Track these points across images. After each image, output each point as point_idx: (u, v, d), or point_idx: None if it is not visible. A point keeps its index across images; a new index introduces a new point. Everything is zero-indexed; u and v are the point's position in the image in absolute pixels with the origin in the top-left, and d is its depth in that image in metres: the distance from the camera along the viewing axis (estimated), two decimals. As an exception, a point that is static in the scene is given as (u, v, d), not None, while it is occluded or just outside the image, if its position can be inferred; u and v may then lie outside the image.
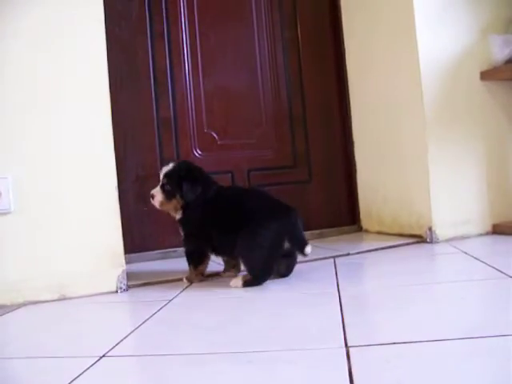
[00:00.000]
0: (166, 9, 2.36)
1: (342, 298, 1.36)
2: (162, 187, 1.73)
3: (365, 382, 0.82)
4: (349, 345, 0.99)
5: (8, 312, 1.55)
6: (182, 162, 1.83)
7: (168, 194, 1.72)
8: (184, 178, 1.71)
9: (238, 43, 2.49)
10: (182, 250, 2.29)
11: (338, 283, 1.54)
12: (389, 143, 2.39)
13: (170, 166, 1.75)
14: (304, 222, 2.48)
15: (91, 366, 1.00)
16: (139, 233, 2.29)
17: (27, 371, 1.03)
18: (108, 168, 1.75)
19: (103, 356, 1.05)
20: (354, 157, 2.63)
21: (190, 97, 2.40)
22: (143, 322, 1.30)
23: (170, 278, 1.84)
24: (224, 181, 2.40)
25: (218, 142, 2.44)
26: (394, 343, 0.99)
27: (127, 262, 1.83)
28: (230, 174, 2.44)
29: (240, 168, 2.45)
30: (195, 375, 0.93)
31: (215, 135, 2.43)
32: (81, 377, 0.95)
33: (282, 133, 2.55)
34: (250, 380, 0.89)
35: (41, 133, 1.68)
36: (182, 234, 1.78)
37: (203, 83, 2.41)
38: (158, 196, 1.73)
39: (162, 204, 1.74)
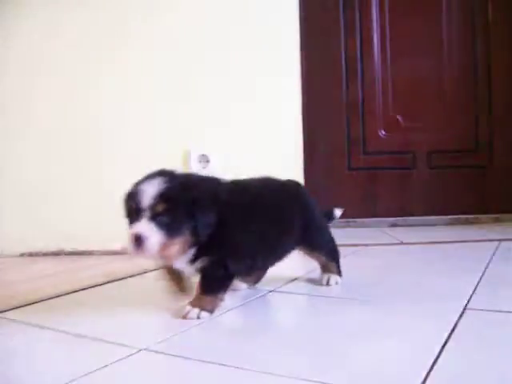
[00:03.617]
0: (359, -2, 2.58)
1: (485, 273, 1.48)
2: (155, 219, 1.06)
3: (462, 334, 0.99)
4: (468, 307, 1.16)
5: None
6: (171, 173, 1.13)
7: (172, 231, 1.07)
8: (196, 204, 1.09)
9: (427, 29, 2.58)
10: (362, 220, 2.57)
11: (489, 261, 1.64)
12: None
13: (160, 181, 1.08)
14: (479, 206, 2.53)
15: (127, 356, 0.93)
16: (322, 202, 2.58)
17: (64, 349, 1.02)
18: (296, 142, 2.06)
19: (142, 350, 0.96)
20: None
21: (378, 82, 2.60)
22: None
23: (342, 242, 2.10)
24: (404, 161, 2.57)
25: (402, 125, 2.60)
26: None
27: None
28: (411, 155, 2.59)
29: (421, 150, 2.58)
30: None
31: (399, 118, 2.59)
32: (113, 365, 0.89)
33: (464, 117, 2.59)
34: (366, 319, 1.12)
35: (243, 117, 2.06)
36: (210, 260, 1.16)
37: (391, 69, 2.58)
38: (152, 238, 1.05)
39: (163, 249, 1.07)
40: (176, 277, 1.23)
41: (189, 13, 2.02)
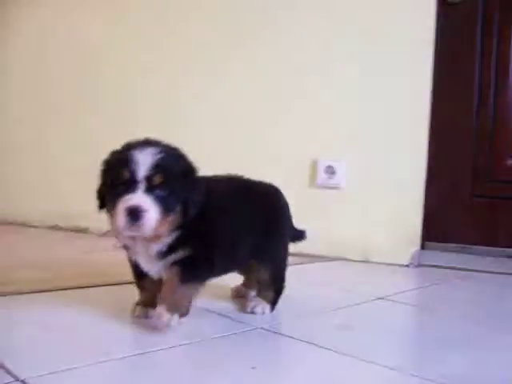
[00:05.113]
0: (498, 25, 2.56)
1: None
2: (152, 192, 0.93)
3: None
4: None
5: (326, 261, 2.12)
6: (160, 143, 1.00)
7: (167, 206, 0.95)
8: (190, 177, 0.99)
9: None
10: (478, 247, 2.56)
11: None
12: None
13: (155, 150, 0.94)
14: None
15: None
16: (440, 225, 2.60)
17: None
18: (417, 168, 2.13)
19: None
20: None
21: (510, 109, 2.56)
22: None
23: (457, 265, 2.13)
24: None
25: (534, 155, 2.54)
26: None
27: (424, 248, 2.20)
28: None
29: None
30: None
31: (529, 148, 2.54)
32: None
33: None
34: (468, 332, 1.19)
35: (371, 135, 2.16)
36: (191, 250, 1.02)
37: (527, 97, 2.54)
38: (151, 212, 0.92)
39: (159, 226, 0.95)
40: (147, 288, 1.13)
41: (322, 30, 2.18)
